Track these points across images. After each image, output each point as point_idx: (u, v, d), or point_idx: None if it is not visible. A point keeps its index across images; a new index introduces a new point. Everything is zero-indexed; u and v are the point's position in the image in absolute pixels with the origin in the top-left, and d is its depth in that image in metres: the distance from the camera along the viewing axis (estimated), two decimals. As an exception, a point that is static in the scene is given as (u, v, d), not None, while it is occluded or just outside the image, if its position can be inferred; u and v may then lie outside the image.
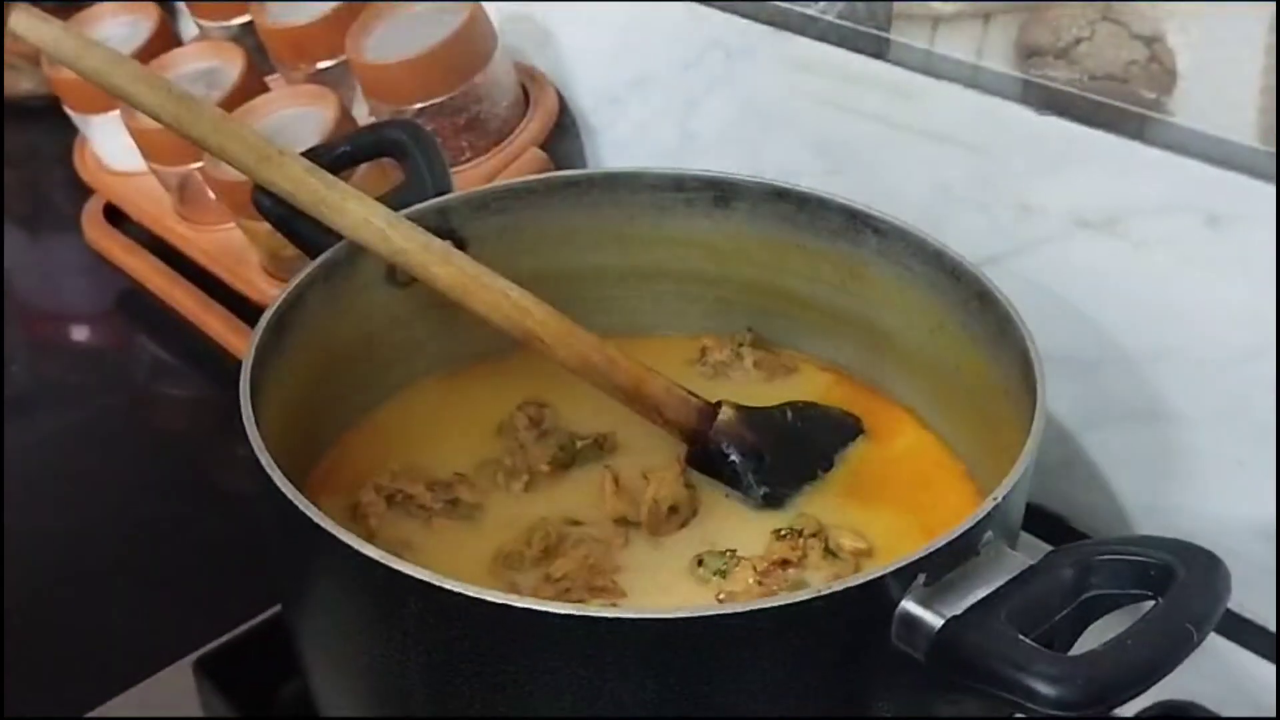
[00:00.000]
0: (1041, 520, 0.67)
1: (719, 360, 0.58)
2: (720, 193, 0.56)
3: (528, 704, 0.38)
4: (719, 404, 0.52)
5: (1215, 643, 0.60)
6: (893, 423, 0.55)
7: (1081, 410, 0.64)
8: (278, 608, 0.50)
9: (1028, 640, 0.34)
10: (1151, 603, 0.36)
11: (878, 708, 0.39)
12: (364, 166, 0.57)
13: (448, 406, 0.55)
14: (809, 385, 0.57)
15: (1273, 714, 0.56)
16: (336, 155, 0.53)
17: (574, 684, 0.37)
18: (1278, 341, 0.54)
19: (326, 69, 0.76)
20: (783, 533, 0.48)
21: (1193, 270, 0.57)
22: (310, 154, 0.52)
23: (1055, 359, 0.64)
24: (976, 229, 0.63)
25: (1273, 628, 0.60)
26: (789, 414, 0.53)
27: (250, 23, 0.80)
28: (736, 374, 0.57)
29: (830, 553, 0.47)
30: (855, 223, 0.54)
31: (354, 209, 0.49)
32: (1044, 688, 0.33)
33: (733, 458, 0.51)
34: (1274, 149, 0.54)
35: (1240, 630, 0.61)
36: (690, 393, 0.51)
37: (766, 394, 0.55)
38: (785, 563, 0.46)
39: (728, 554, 0.47)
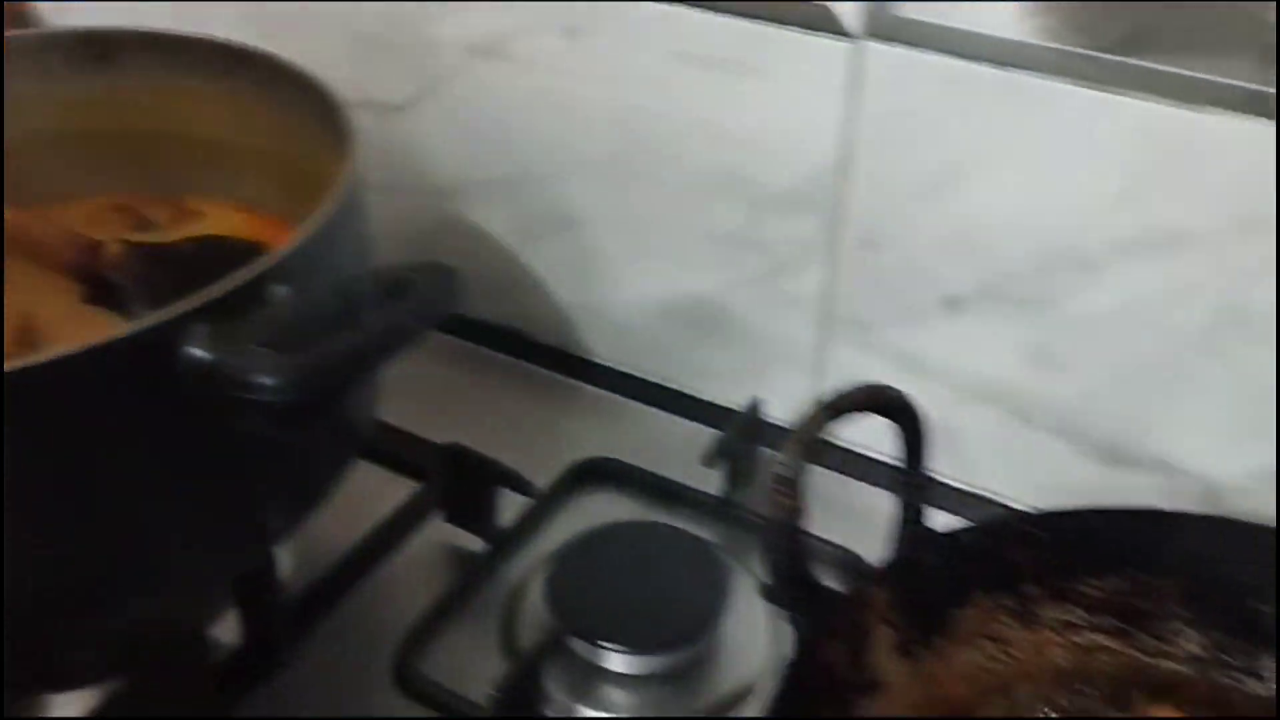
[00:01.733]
0: (499, 335, 0.73)
1: (133, 216, 0.60)
2: (98, 48, 0.58)
3: None
4: (103, 240, 0.54)
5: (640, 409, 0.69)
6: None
7: (515, 227, 0.71)
8: None
9: (264, 350, 0.39)
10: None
11: (203, 446, 0.43)
12: None
13: None
14: (218, 225, 0.60)
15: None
16: None
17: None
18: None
19: None
20: None
21: (566, 81, 0.64)
22: None
23: (483, 184, 0.70)
24: (395, 72, 0.68)
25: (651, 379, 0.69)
26: (185, 246, 0.56)
27: None
28: (150, 226, 0.60)
29: None
30: (232, 60, 0.58)
31: None
32: (266, 379, 0.38)
33: (124, 286, 0.53)
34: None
35: (643, 390, 0.69)
36: (74, 232, 0.54)
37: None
38: None
39: None
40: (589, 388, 0.70)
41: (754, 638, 0.54)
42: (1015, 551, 0.45)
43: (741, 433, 0.61)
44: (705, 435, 0.67)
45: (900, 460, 0.45)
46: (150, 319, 0.40)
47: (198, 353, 0.40)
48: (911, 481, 0.45)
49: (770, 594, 0.43)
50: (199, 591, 0.50)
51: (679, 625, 0.53)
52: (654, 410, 0.69)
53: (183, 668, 0.51)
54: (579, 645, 0.53)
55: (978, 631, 0.45)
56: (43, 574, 0.44)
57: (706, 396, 0.69)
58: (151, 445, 0.43)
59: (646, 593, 0.54)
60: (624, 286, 0.69)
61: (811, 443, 0.42)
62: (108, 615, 0.46)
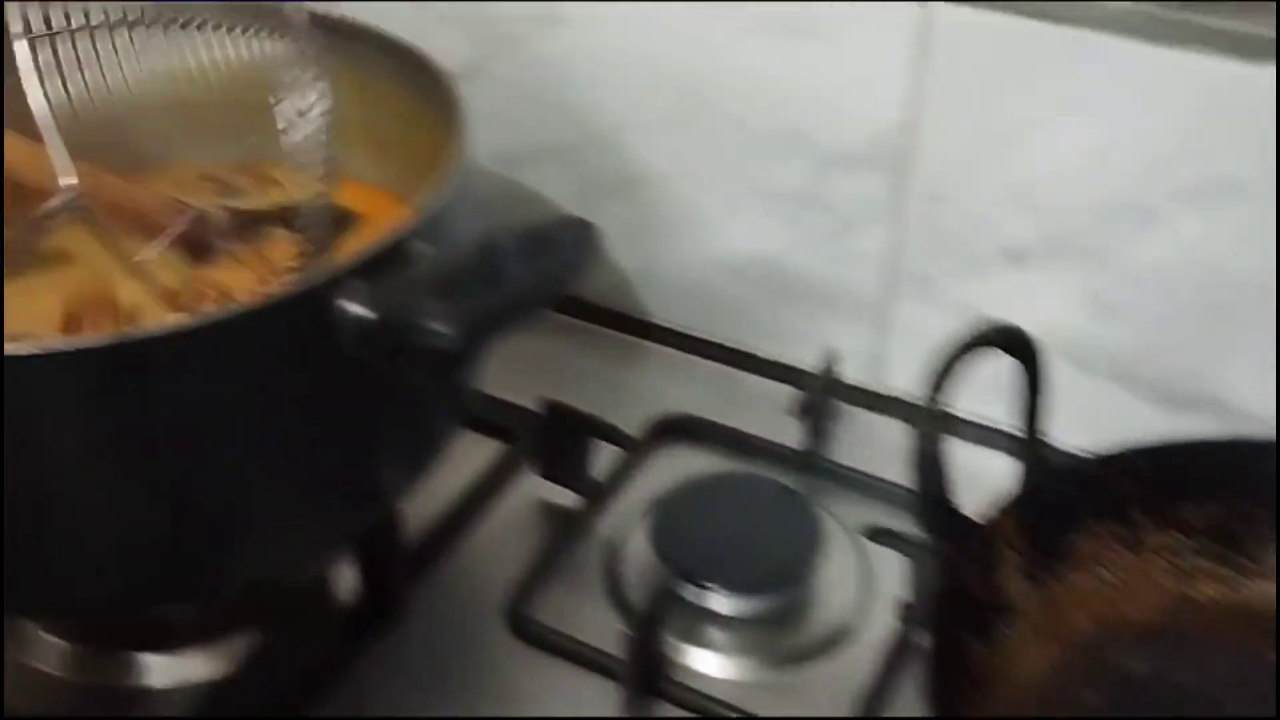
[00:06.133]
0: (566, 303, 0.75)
1: (220, 184, 0.61)
2: (181, 18, 0.59)
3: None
4: (210, 209, 0.55)
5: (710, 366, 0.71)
6: (386, 209, 0.60)
7: (577, 191, 0.72)
8: None
9: (429, 299, 0.40)
10: (545, 266, 0.44)
11: (346, 404, 0.44)
12: None
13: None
14: (301, 191, 0.61)
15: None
16: None
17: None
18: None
19: None
20: None
21: (628, 44, 0.66)
22: None
23: (545, 150, 0.72)
24: (455, 42, 0.70)
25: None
26: (281, 212, 0.57)
27: None
28: (237, 193, 0.61)
29: None
30: (322, 29, 0.59)
31: None
32: (438, 325, 0.39)
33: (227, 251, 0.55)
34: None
35: (713, 350, 0.71)
36: (181, 201, 0.55)
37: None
38: None
39: None
40: (656, 347, 0.72)
41: (845, 582, 0.57)
42: (1124, 481, 0.48)
43: (823, 387, 0.63)
44: (770, 389, 0.70)
45: (1022, 398, 0.48)
46: (307, 278, 0.42)
47: (356, 308, 0.42)
48: (1032, 419, 0.48)
49: (919, 519, 0.46)
50: (321, 548, 0.52)
51: (779, 568, 0.55)
52: (720, 367, 0.71)
53: (306, 619, 0.52)
54: (685, 589, 0.55)
55: (1093, 558, 0.48)
56: (173, 528, 0.45)
57: (770, 354, 0.71)
58: (289, 403, 0.44)
59: (745, 539, 0.57)
60: (687, 247, 0.71)
61: (949, 376, 0.44)
62: (232, 571, 0.48)
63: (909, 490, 0.60)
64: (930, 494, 0.45)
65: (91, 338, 0.39)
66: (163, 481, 0.43)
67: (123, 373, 0.40)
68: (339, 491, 0.48)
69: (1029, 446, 0.48)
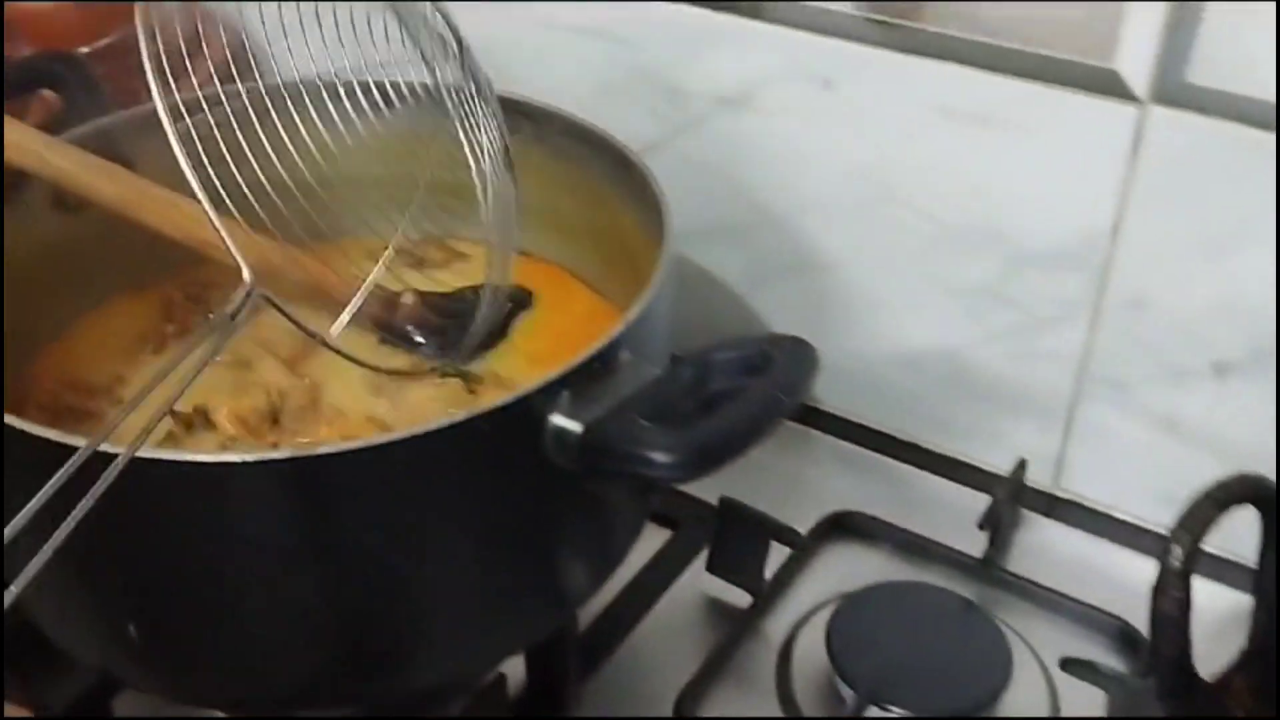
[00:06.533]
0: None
1: (405, 257, 0.61)
2: (377, 95, 0.59)
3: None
4: (401, 293, 0.55)
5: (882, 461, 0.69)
6: (567, 291, 0.60)
7: (747, 272, 0.71)
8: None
9: (648, 424, 0.39)
10: (757, 385, 0.42)
11: (541, 514, 0.43)
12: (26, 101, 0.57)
13: (140, 317, 0.57)
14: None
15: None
16: (-14, 87, 0.53)
17: (205, 528, 0.40)
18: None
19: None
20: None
21: (815, 131, 0.64)
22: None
23: (717, 229, 0.70)
24: (636, 119, 0.69)
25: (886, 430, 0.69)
26: (466, 295, 0.57)
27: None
28: (422, 268, 0.60)
29: None
30: (510, 111, 0.58)
31: (5, 133, 0.50)
32: (660, 456, 0.38)
33: (418, 338, 0.54)
34: (872, 16, 0.62)
35: (885, 444, 0.69)
36: (372, 282, 0.54)
37: (450, 282, 0.59)
38: None
39: None
40: (824, 437, 0.70)
41: (1033, 709, 0.54)
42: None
43: (1010, 494, 0.60)
44: (941, 487, 0.67)
45: (1260, 550, 0.45)
46: (520, 390, 0.41)
47: (567, 422, 0.41)
48: (1272, 573, 0.45)
49: (1153, 679, 0.43)
50: (499, 656, 0.51)
51: (965, 692, 0.53)
52: (890, 461, 0.69)
53: (475, 713, 0.51)
54: (867, 709, 0.53)
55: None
56: (358, 635, 0.45)
57: (944, 449, 0.69)
58: (484, 513, 0.44)
59: (928, 658, 0.54)
60: (860, 336, 0.69)
61: (1196, 536, 0.42)
62: (411, 677, 0.47)
63: (1091, 608, 0.57)
64: (1168, 657, 0.42)
65: (298, 448, 0.39)
66: (357, 588, 0.43)
67: (325, 483, 0.40)
68: (523, 600, 0.47)
69: (1262, 598, 0.45)
